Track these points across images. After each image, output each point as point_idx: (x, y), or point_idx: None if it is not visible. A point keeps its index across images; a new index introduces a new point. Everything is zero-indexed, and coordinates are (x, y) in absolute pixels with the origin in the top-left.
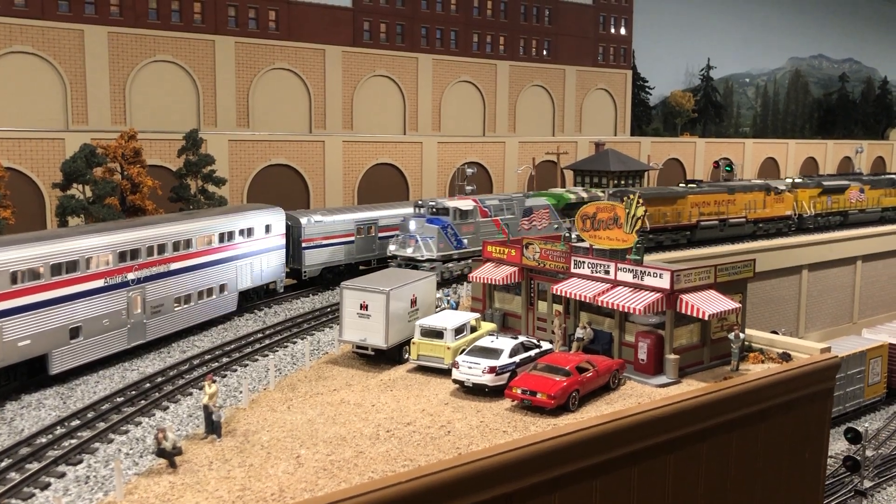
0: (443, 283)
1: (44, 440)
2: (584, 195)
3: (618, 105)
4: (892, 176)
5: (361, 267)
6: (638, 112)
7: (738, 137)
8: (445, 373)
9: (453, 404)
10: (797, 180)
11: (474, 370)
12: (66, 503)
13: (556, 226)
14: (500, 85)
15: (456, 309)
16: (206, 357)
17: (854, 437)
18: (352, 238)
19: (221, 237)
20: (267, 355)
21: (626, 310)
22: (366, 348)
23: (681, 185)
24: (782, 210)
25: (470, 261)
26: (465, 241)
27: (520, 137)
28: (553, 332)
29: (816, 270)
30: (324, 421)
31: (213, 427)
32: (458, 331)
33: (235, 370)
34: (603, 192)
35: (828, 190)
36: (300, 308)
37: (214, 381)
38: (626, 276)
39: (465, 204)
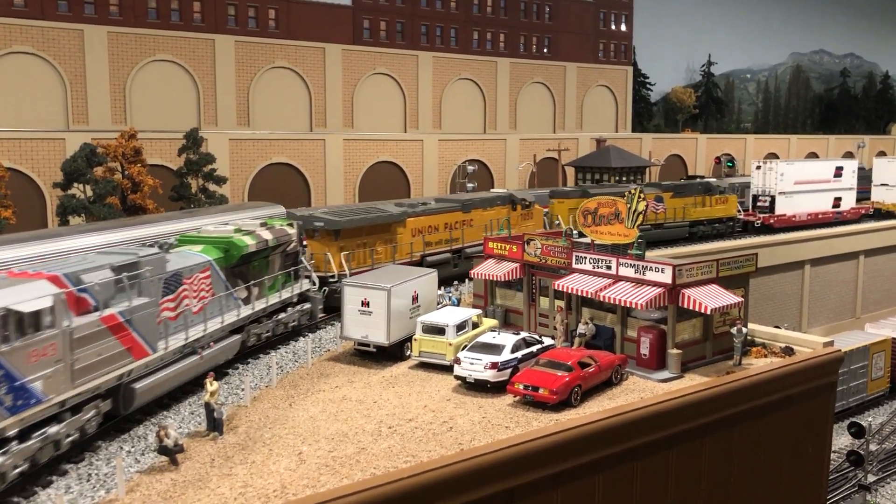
0: None
1: None
2: (269, 236)
3: (619, 101)
4: (709, 180)
5: None
6: (639, 108)
7: (739, 133)
8: (447, 369)
9: (455, 400)
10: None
11: (476, 366)
12: (68, 501)
13: (221, 299)
14: (501, 82)
15: (457, 305)
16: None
17: (857, 431)
18: None
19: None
20: (269, 353)
21: (627, 305)
22: (367, 345)
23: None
24: (531, 230)
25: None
26: (39, 386)
27: (520, 134)
28: (555, 328)
29: (819, 266)
30: (326, 418)
31: (214, 424)
32: (460, 327)
33: (237, 367)
34: (291, 225)
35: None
36: None
37: (216, 379)
38: (627, 272)
39: (30, 297)
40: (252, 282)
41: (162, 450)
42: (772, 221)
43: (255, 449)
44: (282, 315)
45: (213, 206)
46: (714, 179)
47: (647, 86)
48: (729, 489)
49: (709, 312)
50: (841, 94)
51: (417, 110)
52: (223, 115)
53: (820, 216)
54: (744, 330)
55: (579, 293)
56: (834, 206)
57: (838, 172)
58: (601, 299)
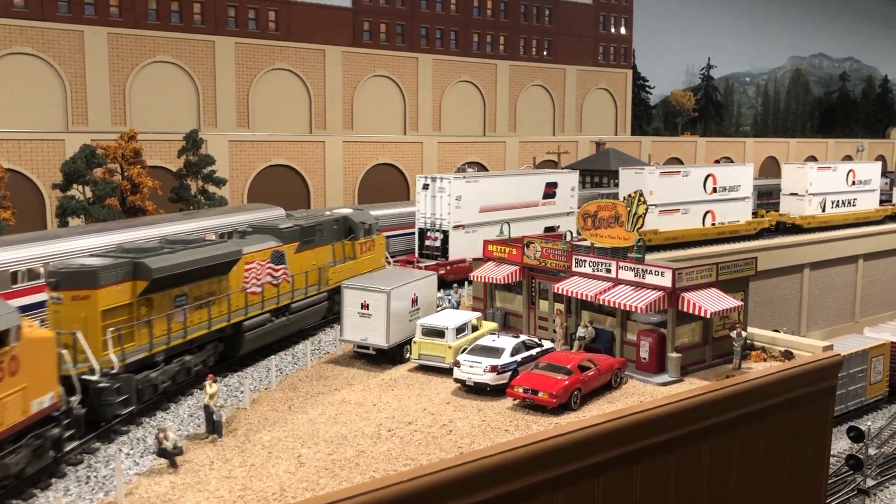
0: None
1: None
2: None
3: (618, 104)
4: (348, 214)
5: None
6: (638, 111)
7: (738, 136)
8: (447, 372)
9: (455, 403)
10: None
11: (476, 369)
12: (67, 503)
13: None
14: (501, 84)
15: (457, 308)
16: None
17: (856, 435)
18: None
19: (221, 237)
20: (268, 355)
21: (627, 308)
22: (367, 348)
23: None
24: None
25: None
26: None
27: (520, 137)
28: (554, 331)
29: (818, 269)
30: (325, 420)
31: (214, 427)
32: (460, 330)
33: (237, 370)
34: None
35: (161, 284)
36: None
37: (215, 381)
38: (627, 275)
39: None
40: None
41: (161, 452)
42: (441, 272)
43: (254, 451)
44: None
45: (213, 208)
46: (351, 211)
47: (647, 89)
48: (729, 493)
49: (708, 316)
50: (840, 97)
51: (417, 112)
52: (223, 116)
53: None
54: (743, 334)
55: (579, 296)
56: None
57: (550, 191)
58: (601, 302)
